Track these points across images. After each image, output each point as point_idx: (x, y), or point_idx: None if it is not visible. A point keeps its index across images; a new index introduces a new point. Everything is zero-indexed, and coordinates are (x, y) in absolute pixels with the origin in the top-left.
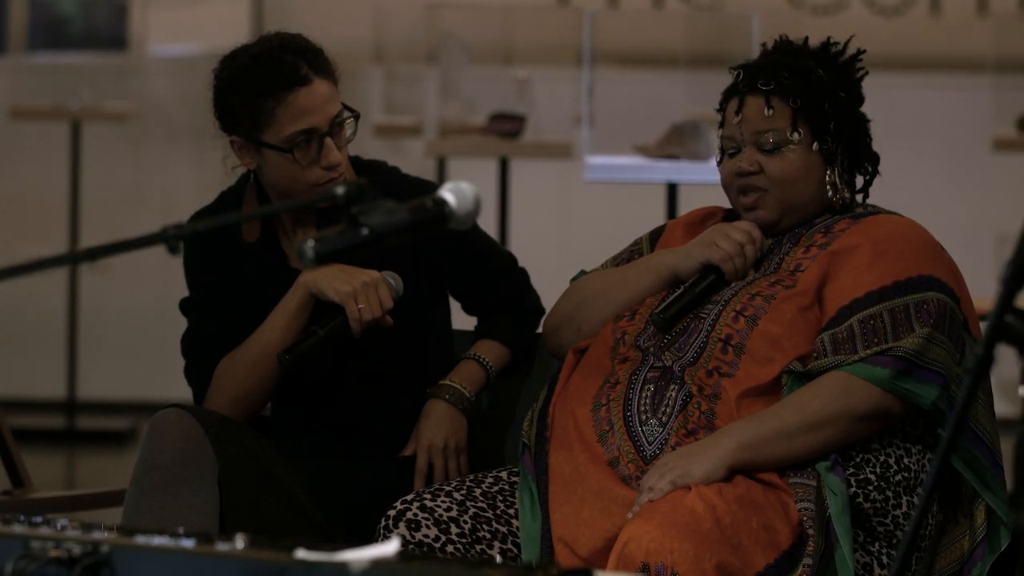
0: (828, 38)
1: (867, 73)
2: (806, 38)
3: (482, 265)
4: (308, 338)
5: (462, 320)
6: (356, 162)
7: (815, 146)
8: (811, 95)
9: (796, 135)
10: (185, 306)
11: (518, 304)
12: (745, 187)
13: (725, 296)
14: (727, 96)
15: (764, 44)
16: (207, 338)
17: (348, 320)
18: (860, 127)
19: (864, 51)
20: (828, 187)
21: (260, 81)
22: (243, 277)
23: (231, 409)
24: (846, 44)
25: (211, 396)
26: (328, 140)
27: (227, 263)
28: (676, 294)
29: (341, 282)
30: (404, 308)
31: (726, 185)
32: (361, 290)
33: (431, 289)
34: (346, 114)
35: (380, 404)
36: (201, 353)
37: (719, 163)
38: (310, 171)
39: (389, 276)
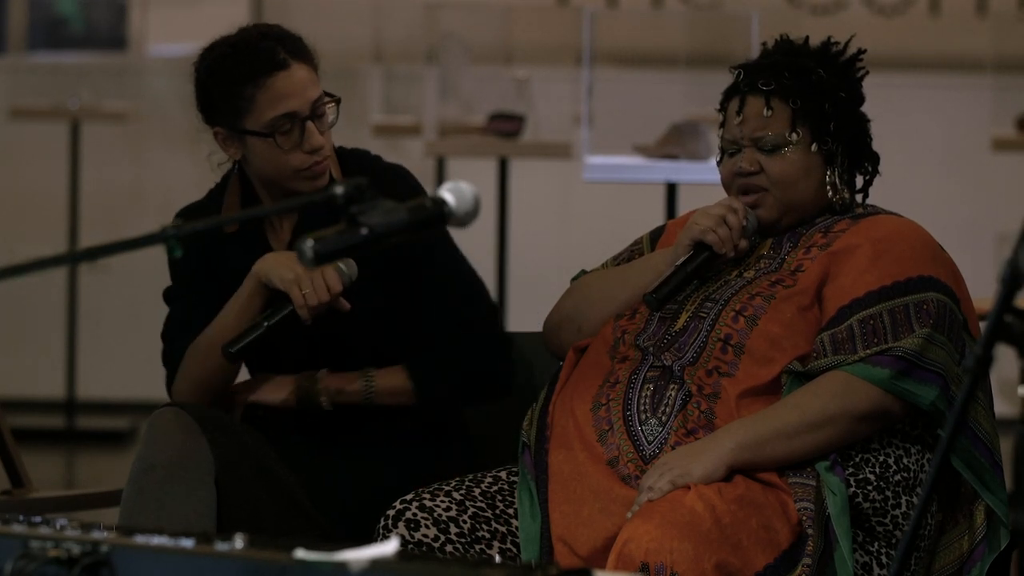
0: (828, 38)
1: (867, 73)
2: (806, 38)
3: (437, 293)
4: (252, 330)
5: None
6: (340, 152)
7: (814, 147)
8: (811, 95)
9: (794, 136)
10: (168, 295)
11: (457, 357)
12: (745, 187)
13: (725, 295)
14: (728, 96)
15: (764, 44)
16: (182, 325)
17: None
18: (860, 127)
19: (864, 51)
20: (828, 187)
21: (238, 68)
22: (226, 266)
23: (194, 394)
24: (846, 44)
25: (177, 381)
26: (310, 124)
27: (210, 253)
28: (668, 273)
29: (285, 269)
30: (385, 303)
31: (726, 185)
32: (304, 275)
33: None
34: (327, 99)
35: None
36: (175, 339)
37: (719, 163)
38: (293, 156)
39: (340, 261)
